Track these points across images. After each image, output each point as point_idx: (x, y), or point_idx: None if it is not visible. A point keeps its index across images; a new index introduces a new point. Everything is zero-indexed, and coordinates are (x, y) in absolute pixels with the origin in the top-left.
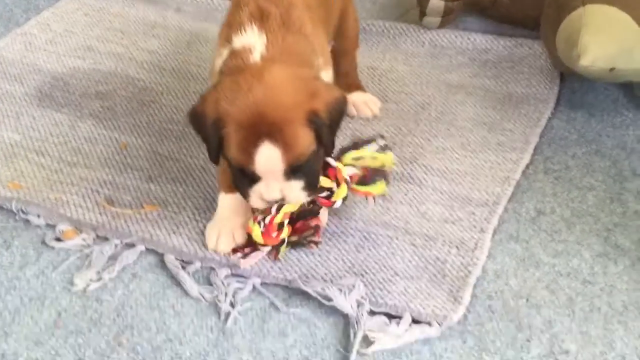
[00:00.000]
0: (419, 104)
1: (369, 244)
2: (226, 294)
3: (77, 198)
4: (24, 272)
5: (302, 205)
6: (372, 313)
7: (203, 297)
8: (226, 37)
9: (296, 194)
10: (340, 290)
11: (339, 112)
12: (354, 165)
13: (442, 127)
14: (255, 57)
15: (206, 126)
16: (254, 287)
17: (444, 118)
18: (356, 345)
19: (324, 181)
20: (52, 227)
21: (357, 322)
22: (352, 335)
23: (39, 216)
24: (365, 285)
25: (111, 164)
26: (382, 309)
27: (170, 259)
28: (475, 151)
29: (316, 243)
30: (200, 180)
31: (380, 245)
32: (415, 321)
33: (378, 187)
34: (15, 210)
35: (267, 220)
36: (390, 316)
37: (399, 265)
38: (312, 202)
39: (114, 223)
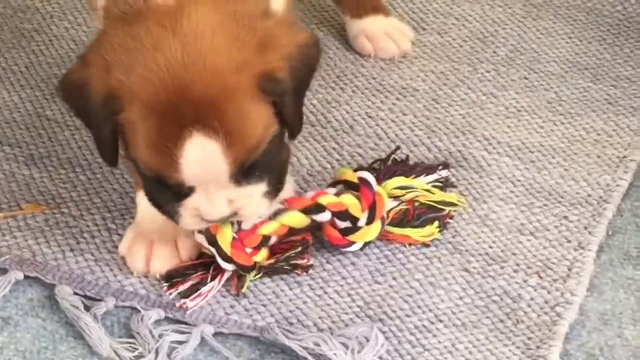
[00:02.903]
0: (478, 34)
1: (392, 269)
2: (157, 352)
3: None
4: None
5: (312, 221)
6: None
7: (119, 357)
8: None
9: (256, 206)
10: (346, 345)
11: (308, 65)
12: (396, 197)
13: (514, 73)
14: None
15: (90, 106)
16: (204, 341)
17: (519, 58)
18: None
19: (352, 205)
20: None
21: None
22: None
23: None
24: (388, 338)
25: None
26: None
27: (64, 292)
28: (570, 114)
29: (305, 268)
30: None
31: (411, 271)
32: None
33: (424, 232)
34: None
35: (248, 225)
36: None
37: (443, 304)
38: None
39: None
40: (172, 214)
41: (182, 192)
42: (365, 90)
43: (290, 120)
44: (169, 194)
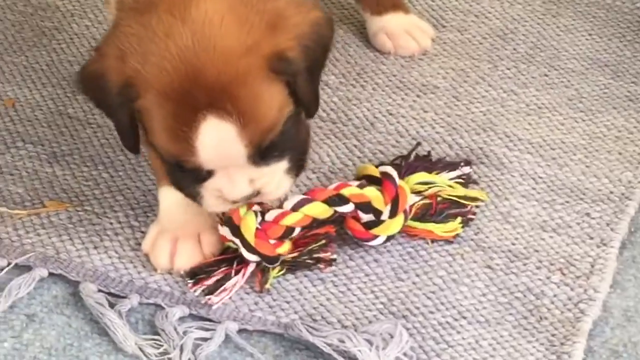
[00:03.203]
0: (498, 31)
1: (415, 266)
2: (182, 349)
3: None
4: None
5: (335, 212)
6: None
7: (144, 354)
8: None
9: (278, 183)
10: (370, 342)
11: (320, 44)
12: (419, 192)
13: (535, 70)
14: None
15: (108, 96)
16: (228, 337)
17: (539, 55)
18: None
19: (375, 197)
20: None
21: None
22: None
23: None
24: (412, 334)
25: None
26: None
27: (89, 290)
28: (591, 111)
29: (328, 262)
30: (138, 158)
31: (434, 268)
32: None
33: (447, 227)
34: None
35: (272, 216)
36: None
37: (467, 301)
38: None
39: None
40: (194, 196)
41: (203, 174)
42: (386, 87)
43: (305, 100)
44: (190, 176)
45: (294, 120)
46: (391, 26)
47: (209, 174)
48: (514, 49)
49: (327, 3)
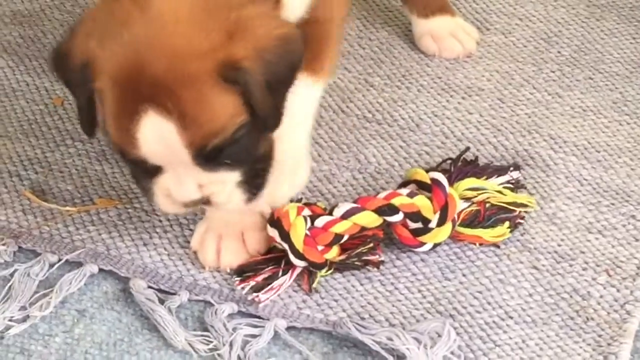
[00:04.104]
0: (542, 34)
1: (462, 266)
2: (232, 345)
3: None
4: None
5: (384, 222)
6: None
7: (194, 349)
8: None
9: (228, 193)
10: (418, 340)
11: (284, 60)
12: (468, 198)
13: (579, 73)
14: None
15: (71, 74)
16: (277, 334)
17: (583, 59)
18: None
19: (424, 206)
20: None
21: None
22: None
23: None
24: (459, 334)
25: (39, 132)
26: None
27: (139, 286)
28: (636, 114)
29: (376, 264)
30: None
31: (480, 268)
32: None
33: (494, 232)
34: None
35: (321, 223)
36: None
37: (513, 301)
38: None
39: (46, 228)
40: (146, 191)
41: (152, 170)
42: (431, 89)
43: (261, 113)
44: (142, 169)
45: (249, 131)
46: (437, 29)
47: (158, 170)
48: (559, 52)
49: (371, 5)
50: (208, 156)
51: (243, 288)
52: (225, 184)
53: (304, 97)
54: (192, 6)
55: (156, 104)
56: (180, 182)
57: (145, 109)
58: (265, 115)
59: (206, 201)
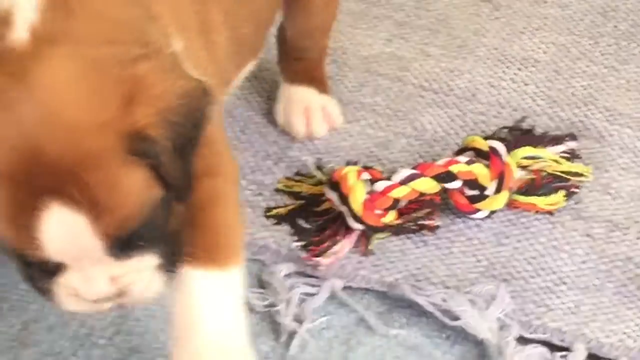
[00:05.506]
0: (598, 8)
1: (516, 232)
2: (288, 303)
3: None
4: None
5: (442, 188)
6: (523, 341)
7: (251, 306)
8: None
9: (148, 282)
10: (473, 302)
11: (190, 119)
12: (524, 167)
13: (635, 47)
14: (19, 31)
15: None
16: (333, 294)
17: None
18: None
19: (481, 174)
20: None
21: (499, 355)
22: None
23: None
24: (513, 297)
25: None
26: (540, 336)
27: None
28: None
29: (432, 229)
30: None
31: (535, 235)
32: (592, 356)
33: (550, 200)
34: None
35: (381, 187)
36: (552, 347)
37: (567, 267)
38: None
39: None
40: (45, 292)
41: (51, 268)
42: (487, 60)
43: (173, 183)
44: (38, 269)
45: (162, 204)
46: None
47: (60, 267)
48: (615, 26)
49: None
50: (123, 244)
51: (301, 250)
52: (141, 270)
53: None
54: (80, 69)
55: (59, 195)
56: (89, 278)
57: (47, 202)
58: (177, 185)
59: (120, 293)
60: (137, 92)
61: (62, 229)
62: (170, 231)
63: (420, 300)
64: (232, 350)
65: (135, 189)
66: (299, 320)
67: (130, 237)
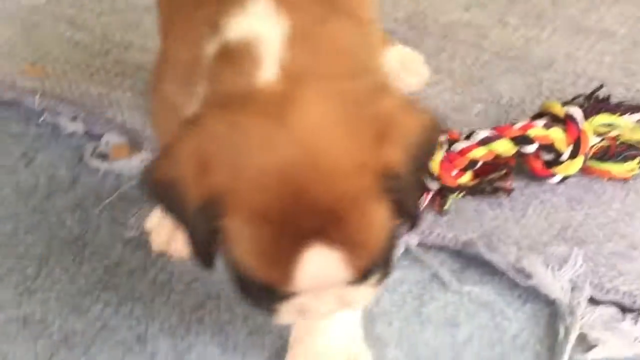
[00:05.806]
0: None
1: (590, 198)
2: None
3: (132, 96)
4: (53, 202)
5: (517, 151)
6: (594, 302)
7: None
8: (207, 17)
9: (365, 294)
10: (546, 263)
11: (427, 151)
12: (600, 134)
13: None
14: (269, 69)
15: (184, 209)
16: (408, 251)
17: None
18: (568, 349)
19: (558, 139)
20: (95, 138)
21: (570, 314)
22: (561, 332)
23: (74, 119)
24: (585, 261)
25: None
26: (611, 297)
27: None
28: None
29: (507, 191)
30: None
31: (607, 201)
32: None
33: (624, 167)
34: (37, 109)
35: (459, 147)
36: (623, 308)
37: (639, 233)
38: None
39: None
40: (269, 310)
41: (287, 294)
42: (565, 30)
43: (412, 214)
44: (269, 293)
45: (393, 234)
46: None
47: (294, 293)
48: None
49: None
50: (364, 276)
51: None
52: (364, 290)
53: None
54: (334, 108)
55: (319, 235)
56: (320, 299)
57: (308, 243)
58: (414, 216)
59: (344, 306)
60: (387, 129)
61: (317, 267)
62: (391, 252)
63: (494, 259)
64: (352, 353)
65: (384, 224)
66: None
67: (370, 269)
